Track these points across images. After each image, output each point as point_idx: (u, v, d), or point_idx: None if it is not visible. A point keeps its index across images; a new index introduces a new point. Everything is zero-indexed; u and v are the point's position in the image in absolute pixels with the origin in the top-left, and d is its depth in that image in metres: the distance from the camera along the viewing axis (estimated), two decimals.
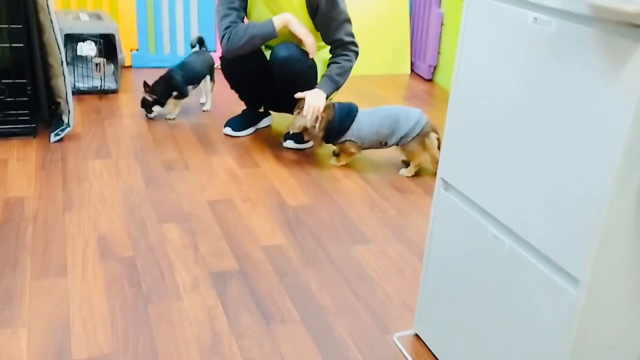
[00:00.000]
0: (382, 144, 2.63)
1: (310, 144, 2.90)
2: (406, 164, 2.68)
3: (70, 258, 1.89)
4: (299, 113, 2.63)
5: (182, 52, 4.04)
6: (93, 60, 3.27)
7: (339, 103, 2.66)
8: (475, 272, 1.39)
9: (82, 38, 3.21)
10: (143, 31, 3.92)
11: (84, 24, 3.33)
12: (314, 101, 2.60)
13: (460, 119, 1.42)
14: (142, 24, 3.91)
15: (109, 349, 1.54)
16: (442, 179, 1.51)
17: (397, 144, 2.61)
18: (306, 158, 2.78)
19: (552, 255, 1.15)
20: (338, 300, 1.79)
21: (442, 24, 4.07)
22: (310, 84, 2.75)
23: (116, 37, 3.32)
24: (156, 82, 3.02)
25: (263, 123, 3.10)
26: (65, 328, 1.60)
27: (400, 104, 3.63)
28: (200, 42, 3.27)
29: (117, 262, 1.89)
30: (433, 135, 2.59)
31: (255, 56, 2.74)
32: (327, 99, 2.65)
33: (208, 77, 3.24)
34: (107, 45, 3.34)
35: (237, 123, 2.98)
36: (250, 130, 3.01)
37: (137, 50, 3.94)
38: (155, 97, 3.00)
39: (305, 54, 2.70)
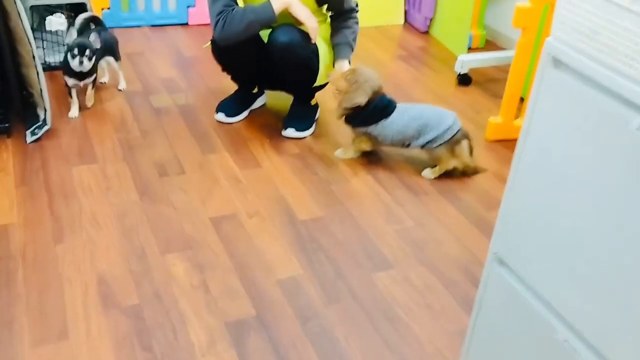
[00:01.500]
0: (405, 145, 2.43)
1: (311, 131, 2.69)
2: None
3: (70, 313, 1.71)
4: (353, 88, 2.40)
5: (158, 8, 3.68)
6: (65, 35, 2.93)
7: (386, 95, 2.43)
8: None
9: (50, 10, 2.86)
10: None
11: None
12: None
13: (525, 195, 1.24)
14: None
15: None
16: (495, 253, 1.35)
17: (421, 147, 2.40)
18: (309, 151, 2.57)
19: None
20: (367, 350, 1.67)
21: None
22: (312, 71, 2.51)
23: (87, 6, 2.96)
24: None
25: (257, 103, 2.86)
26: None
27: (396, 65, 3.39)
28: (95, 21, 2.80)
29: (123, 315, 1.72)
30: (465, 143, 2.38)
31: (253, 40, 2.46)
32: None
33: (111, 58, 2.84)
34: (79, 13, 2.99)
35: (230, 107, 2.74)
36: (245, 113, 2.77)
37: (108, 8, 3.58)
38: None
39: (307, 37, 2.43)
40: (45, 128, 2.47)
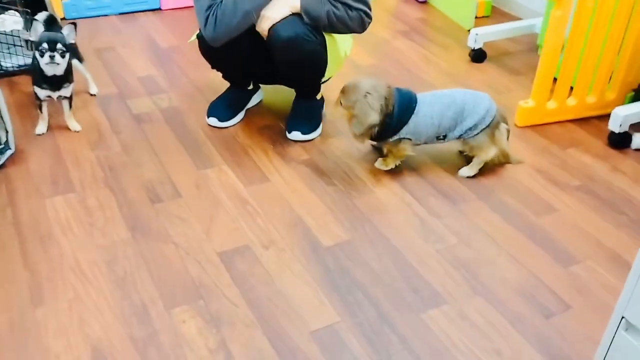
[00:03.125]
0: (440, 138, 2.09)
1: (320, 131, 2.34)
2: (466, 158, 2.17)
3: None
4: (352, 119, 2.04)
5: None
6: (21, 35, 2.50)
7: (398, 90, 2.05)
8: None
9: (2, 7, 2.43)
10: None
11: None
12: (271, 11, 2.03)
13: None
14: None
15: None
16: (623, 317, 1.04)
17: (459, 138, 2.08)
18: (321, 155, 2.22)
19: None
20: None
21: None
22: (321, 65, 2.15)
23: (46, 1, 2.53)
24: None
25: (253, 101, 2.49)
26: None
27: (399, 43, 3.03)
28: (52, 21, 2.35)
29: None
30: (503, 127, 2.08)
31: (247, 32, 2.08)
32: (298, 15, 2.04)
33: (76, 61, 2.41)
34: (35, 9, 2.56)
35: (223, 109, 2.37)
36: (241, 115, 2.40)
37: None
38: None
39: (312, 28, 2.06)
40: (9, 153, 2.08)
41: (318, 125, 2.33)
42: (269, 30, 2.03)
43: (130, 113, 2.42)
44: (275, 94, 2.57)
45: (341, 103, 2.04)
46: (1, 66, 2.56)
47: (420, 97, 2.07)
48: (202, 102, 2.49)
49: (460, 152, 2.22)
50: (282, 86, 2.47)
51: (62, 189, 2.01)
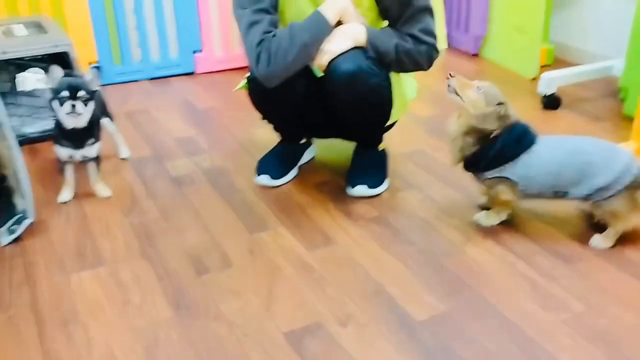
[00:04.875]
0: (559, 194, 1.69)
1: (387, 185, 2.00)
2: (596, 224, 1.73)
3: None
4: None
5: (157, 56, 3.04)
6: (44, 94, 2.25)
7: (517, 120, 1.69)
8: None
9: (23, 64, 2.19)
10: (102, 36, 2.89)
11: (23, 42, 2.28)
12: (331, 44, 1.74)
13: None
14: (100, 27, 2.87)
15: None
16: None
17: (586, 198, 1.67)
18: (392, 212, 1.88)
19: None
20: None
21: None
22: (385, 104, 1.85)
23: (70, 56, 2.30)
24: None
25: (306, 157, 2.18)
26: None
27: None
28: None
29: None
30: None
31: (303, 72, 1.80)
32: (360, 49, 1.75)
33: (105, 119, 2.10)
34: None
35: (274, 166, 2.05)
36: (294, 172, 2.08)
37: (96, 63, 2.92)
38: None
39: (375, 61, 1.77)
40: (27, 222, 1.76)
41: (384, 178, 1.99)
42: (328, 64, 1.74)
43: (168, 175, 2.11)
44: (329, 149, 2.26)
45: (479, 88, 1.67)
46: (24, 133, 2.30)
47: (541, 137, 1.70)
48: (249, 160, 2.18)
49: (590, 217, 1.77)
50: (337, 140, 2.16)
51: (89, 262, 1.67)
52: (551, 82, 2.56)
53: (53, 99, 1.82)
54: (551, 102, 2.59)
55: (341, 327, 1.42)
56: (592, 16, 3.07)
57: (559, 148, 1.67)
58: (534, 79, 2.88)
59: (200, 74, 3.11)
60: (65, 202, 1.94)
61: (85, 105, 1.82)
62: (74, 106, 1.79)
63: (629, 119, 2.37)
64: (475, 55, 3.33)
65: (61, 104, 1.80)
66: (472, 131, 1.68)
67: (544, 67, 3.10)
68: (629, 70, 2.50)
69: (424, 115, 2.57)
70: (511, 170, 1.67)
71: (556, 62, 3.16)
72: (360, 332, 1.41)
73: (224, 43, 3.10)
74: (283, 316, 1.46)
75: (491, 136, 1.66)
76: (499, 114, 1.65)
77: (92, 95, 1.83)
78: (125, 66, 2.98)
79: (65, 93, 1.79)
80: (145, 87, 2.94)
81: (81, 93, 1.80)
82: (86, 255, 1.70)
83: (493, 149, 1.66)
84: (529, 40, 2.94)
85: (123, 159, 2.23)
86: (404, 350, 1.35)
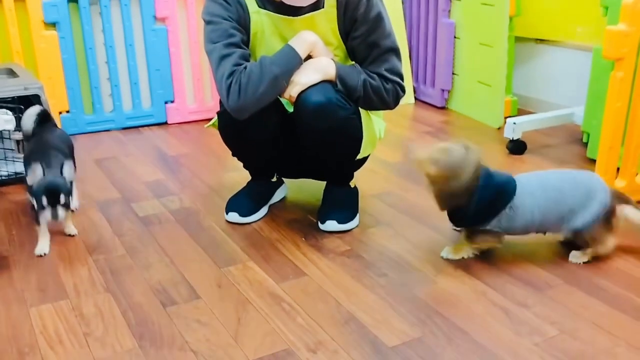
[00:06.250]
0: (539, 233, 1.75)
1: (357, 221, 2.00)
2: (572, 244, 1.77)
3: None
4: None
5: (129, 107, 3.05)
6: (12, 135, 2.23)
7: (492, 172, 1.70)
8: None
9: None
10: (74, 84, 2.90)
11: None
12: (301, 76, 1.76)
13: None
14: (72, 76, 2.89)
15: None
16: None
17: (569, 234, 1.72)
18: (364, 246, 1.86)
19: None
20: None
21: (454, 37, 3.27)
22: (355, 137, 1.86)
23: (42, 98, 2.29)
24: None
25: (277, 196, 2.17)
26: None
27: (428, 142, 2.79)
28: (45, 117, 2.07)
29: None
30: (624, 209, 1.71)
31: (274, 105, 1.82)
32: (329, 82, 1.77)
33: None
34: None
35: (245, 204, 2.04)
36: (264, 210, 2.07)
37: (67, 112, 2.92)
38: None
39: (344, 94, 1.80)
40: None
41: (355, 214, 1.99)
42: (298, 96, 1.77)
43: (135, 216, 2.08)
44: (301, 189, 2.25)
45: (435, 159, 1.64)
46: None
47: (521, 184, 1.69)
48: (219, 201, 2.16)
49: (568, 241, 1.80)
50: (308, 181, 2.17)
51: (51, 296, 1.61)
52: (516, 127, 2.62)
53: (32, 197, 1.78)
54: (517, 147, 2.64)
55: (311, 354, 1.38)
56: (552, 69, 3.19)
57: (541, 196, 1.68)
58: (499, 128, 2.95)
59: (173, 124, 3.12)
60: (42, 255, 1.83)
61: (66, 207, 1.77)
62: (55, 215, 1.74)
63: (592, 162, 2.43)
64: (444, 107, 3.41)
65: (41, 208, 1.75)
66: (443, 189, 1.68)
67: (507, 119, 3.18)
68: (588, 116, 2.58)
69: (392, 160, 2.60)
70: (495, 224, 1.69)
71: (520, 113, 3.25)
72: (331, 358, 1.36)
73: (197, 94, 3.13)
74: (251, 345, 1.41)
75: (465, 191, 1.65)
76: (460, 179, 1.63)
77: (70, 192, 1.79)
78: (96, 115, 2.97)
79: (44, 201, 1.73)
80: (116, 136, 2.93)
81: (62, 198, 1.74)
82: (47, 289, 1.64)
83: (475, 209, 1.66)
84: (493, 93, 3.03)
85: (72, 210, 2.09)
86: None
